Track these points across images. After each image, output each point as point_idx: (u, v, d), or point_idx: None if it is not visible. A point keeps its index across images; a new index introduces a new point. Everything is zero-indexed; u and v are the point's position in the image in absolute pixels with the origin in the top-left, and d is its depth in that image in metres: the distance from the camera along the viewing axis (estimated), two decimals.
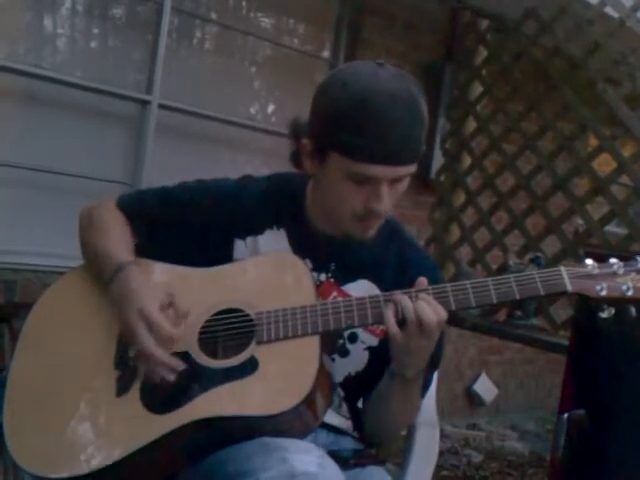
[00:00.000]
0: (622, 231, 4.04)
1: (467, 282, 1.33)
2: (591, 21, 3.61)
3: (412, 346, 1.32)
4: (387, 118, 1.28)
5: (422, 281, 1.34)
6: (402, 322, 1.31)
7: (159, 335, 1.31)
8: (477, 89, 4.16)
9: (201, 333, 1.37)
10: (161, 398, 1.31)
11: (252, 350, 1.33)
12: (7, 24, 3.14)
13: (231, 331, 1.37)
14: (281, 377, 1.30)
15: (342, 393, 1.49)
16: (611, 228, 4.09)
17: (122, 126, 3.48)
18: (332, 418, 1.47)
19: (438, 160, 4.24)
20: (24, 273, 2.95)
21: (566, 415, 2.05)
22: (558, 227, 3.65)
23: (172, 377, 1.31)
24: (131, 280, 1.37)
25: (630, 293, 1.29)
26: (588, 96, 3.65)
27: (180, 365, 1.32)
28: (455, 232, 4.17)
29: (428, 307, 1.30)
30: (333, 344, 1.46)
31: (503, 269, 3.49)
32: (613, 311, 1.31)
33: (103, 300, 1.44)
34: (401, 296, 1.32)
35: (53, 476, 1.30)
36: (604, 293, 1.30)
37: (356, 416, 1.52)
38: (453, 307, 1.32)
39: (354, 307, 1.34)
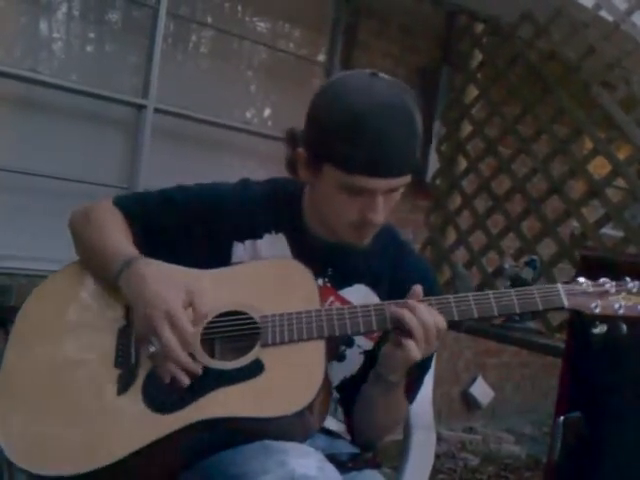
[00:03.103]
0: (618, 233, 4.06)
1: (469, 294, 1.37)
2: (586, 24, 3.62)
3: (415, 356, 1.32)
4: (381, 131, 1.29)
5: (417, 289, 1.35)
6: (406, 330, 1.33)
7: (184, 337, 1.29)
8: (472, 92, 4.17)
9: (204, 334, 1.36)
10: (164, 398, 1.30)
11: (257, 352, 1.32)
12: (2, 29, 3.14)
13: (235, 333, 1.37)
14: (287, 380, 1.30)
15: (337, 396, 1.50)
16: (607, 231, 4.10)
17: (118, 130, 3.48)
18: (328, 422, 1.47)
19: (434, 163, 4.25)
20: (19, 278, 2.95)
21: (562, 418, 2.05)
22: (554, 230, 3.66)
23: (187, 380, 1.29)
24: (147, 275, 1.34)
25: (622, 311, 1.35)
26: (583, 99, 3.66)
27: (199, 370, 1.30)
28: (451, 235, 4.18)
29: (429, 313, 1.32)
30: (336, 350, 1.46)
31: (499, 272, 3.50)
32: (605, 328, 1.37)
33: (100, 297, 1.44)
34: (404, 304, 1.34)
35: (53, 474, 1.28)
36: (598, 310, 1.35)
37: (350, 419, 1.53)
38: (456, 317, 1.35)
39: (359, 314, 1.35)
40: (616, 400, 2.09)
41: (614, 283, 1.38)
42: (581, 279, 1.39)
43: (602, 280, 1.39)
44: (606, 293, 1.37)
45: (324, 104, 1.35)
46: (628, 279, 1.38)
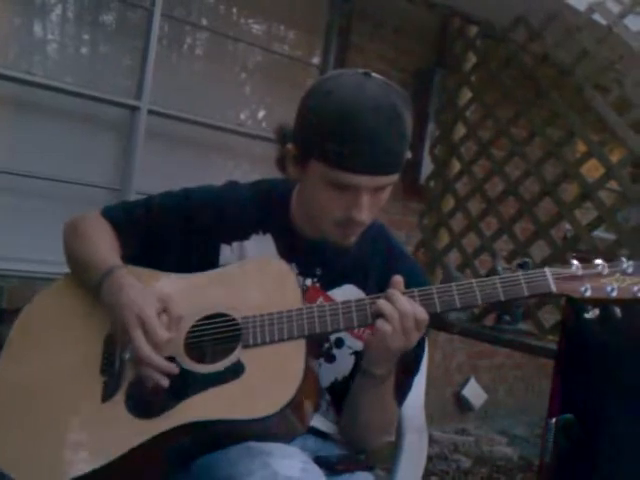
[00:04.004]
0: (610, 236, 4.07)
1: (452, 284, 1.35)
2: (579, 28, 3.63)
3: (390, 343, 1.32)
4: (369, 130, 1.29)
5: (397, 278, 1.35)
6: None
7: (155, 340, 1.31)
8: (466, 95, 4.18)
9: (187, 338, 1.37)
10: (146, 403, 1.32)
11: (238, 354, 1.33)
12: None
13: (217, 335, 1.37)
14: (267, 381, 1.31)
15: (329, 398, 1.50)
16: (599, 233, 4.11)
17: (112, 132, 3.48)
18: (320, 423, 1.48)
19: (427, 166, 4.26)
20: (11, 279, 2.94)
21: (554, 419, 2.05)
22: (546, 232, 3.67)
23: (166, 382, 1.30)
24: (125, 284, 1.37)
25: (614, 294, 1.30)
26: (576, 102, 3.67)
27: (175, 369, 1.31)
28: (444, 237, 4.18)
29: (408, 302, 1.32)
30: (319, 348, 1.46)
31: (491, 274, 3.50)
32: (598, 312, 1.32)
33: (88, 307, 1.45)
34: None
35: None
36: (588, 294, 1.30)
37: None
38: (438, 309, 1.34)
39: (340, 310, 1.35)
40: (608, 402, 2.09)
41: (607, 264, 1.32)
42: (574, 262, 1.33)
43: (596, 262, 1.33)
44: (598, 275, 1.31)
45: (314, 100, 1.35)
46: (623, 259, 1.32)
